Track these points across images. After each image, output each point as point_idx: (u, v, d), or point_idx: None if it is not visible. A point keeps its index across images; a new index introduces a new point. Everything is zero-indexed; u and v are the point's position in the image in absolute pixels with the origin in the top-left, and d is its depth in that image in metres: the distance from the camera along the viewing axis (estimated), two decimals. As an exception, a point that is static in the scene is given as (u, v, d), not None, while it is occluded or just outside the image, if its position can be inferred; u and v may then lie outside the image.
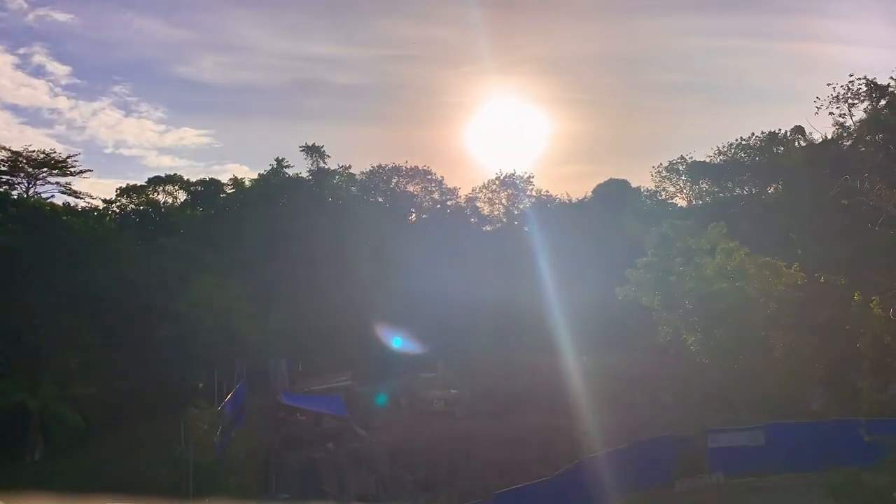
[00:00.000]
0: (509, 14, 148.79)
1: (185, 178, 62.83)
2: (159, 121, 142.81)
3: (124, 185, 61.35)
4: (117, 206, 59.30)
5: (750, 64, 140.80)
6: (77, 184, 51.96)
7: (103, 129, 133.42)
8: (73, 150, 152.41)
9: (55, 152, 50.60)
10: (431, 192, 71.46)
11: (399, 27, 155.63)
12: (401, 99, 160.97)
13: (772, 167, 61.76)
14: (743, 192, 64.96)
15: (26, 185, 50.44)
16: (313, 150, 58.45)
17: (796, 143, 61.04)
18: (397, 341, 51.72)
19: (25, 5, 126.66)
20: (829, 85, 49.97)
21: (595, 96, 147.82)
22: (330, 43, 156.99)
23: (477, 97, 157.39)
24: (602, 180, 70.05)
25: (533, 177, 71.23)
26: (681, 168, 67.73)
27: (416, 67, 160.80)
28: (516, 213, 70.60)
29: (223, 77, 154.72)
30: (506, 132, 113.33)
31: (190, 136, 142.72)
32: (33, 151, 50.02)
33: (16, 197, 49.17)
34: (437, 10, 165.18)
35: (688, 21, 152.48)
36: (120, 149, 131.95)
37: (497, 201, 71.32)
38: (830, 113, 50.48)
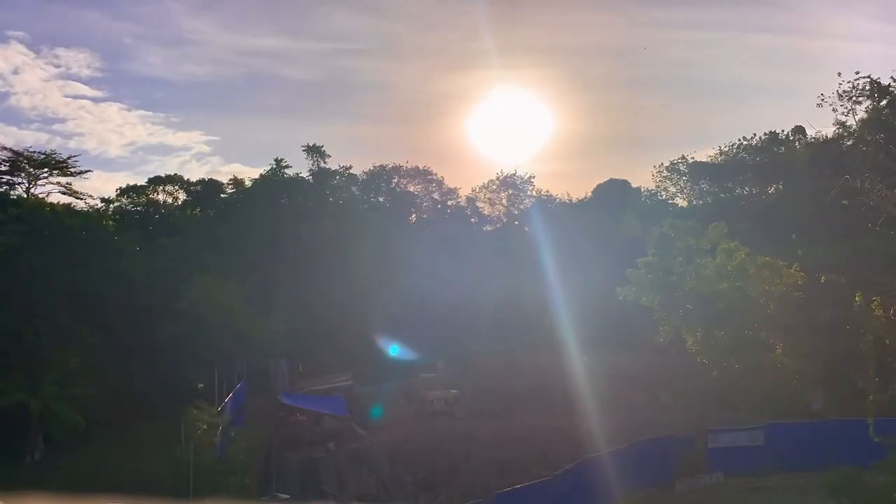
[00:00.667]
0: (465, 6, 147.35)
1: (186, 178, 63.17)
2: (91, 80, 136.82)
3: (125, 186, 61.60)
4: (117, 206, 59.36)
5: (751, 60, 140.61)
6: (77, 184, 52.11)
7: (24, 98, 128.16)
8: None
9: (55, 153, 50.80)
10: (432, 192, 71.63)
11: (347, 19, 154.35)
12: (355, 94, 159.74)
13: (772, 167, 61.74)
14: (743, 192, 64.96)
15: (26, 185, 50.49)
16: (314, 151, 58.45)
17: (797, 144, 61.05)
18: (394, 349, 51.78)
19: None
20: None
21: (578, 91, 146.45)
22: (278, 36, 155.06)
23: (434, 93, 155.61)
24: (597, 180, 70.64)
25: (533, 177, 71.56)
26: (682, 168, 67.78)
27: (368, 61, 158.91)
28: (517, 212, 70.71)
29: (169, 70, 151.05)
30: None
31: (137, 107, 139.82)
32: (34, 152, 50.20)
33: (16, 197, 49.17)
34: (386, 1, 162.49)
35: (677, 14, 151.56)
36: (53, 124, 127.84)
37: (497, 201, 71.50)
38: (834, 110, 50.26)
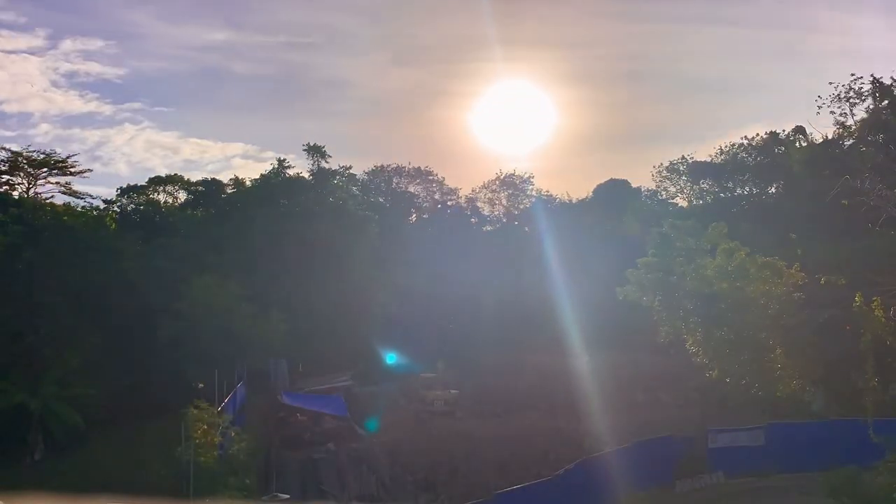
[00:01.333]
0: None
1: (186, 178, 63.17)
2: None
3: (125, 186, 61.53)
4: (117, 206, 59.36)
5: (754, 57, 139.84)
6: (77, 184, 52.26)
7: None
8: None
9: (55, 152, 50.85)
10: (432, 192, 71.71)
11: (291, 12, 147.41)
12: (315, 90, 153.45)
13: (772, 167, 61.76)
14: (743, 192, 64.99)
15: (26, 185, 50.56)
16: (314, 151, 58.41)
17: (797, 144, 61.06)
18: (391, 357, 51.71)
19: None
20: (830, 84, 50.07)
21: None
22: (226, 29, 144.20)
23: (391, 89, 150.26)
24: (596, 178, 70.75)
25: (533, 177, 71.60)
26: (681, 168, 67.81)
27: (321, 56, 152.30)
28: (517, 212, 70.77)
29: (106, 65, 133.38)
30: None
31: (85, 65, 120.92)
32: (33, 152, 50.30)
33: (16, 197, 49.22)
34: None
35: (675, 9, 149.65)
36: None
37: (497, 201, 71.58)
38: (832, 112, 50.56)
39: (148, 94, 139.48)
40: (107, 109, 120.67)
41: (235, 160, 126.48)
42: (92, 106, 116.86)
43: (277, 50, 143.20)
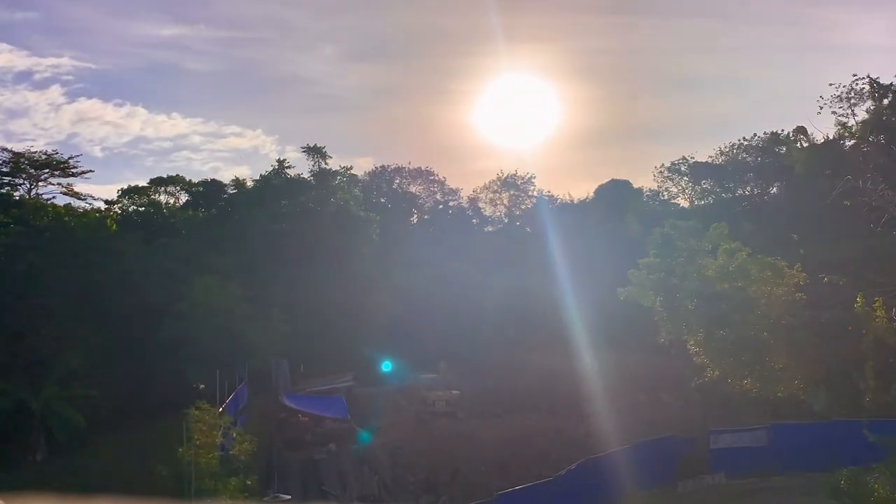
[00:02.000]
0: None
1: (187, 179, 63.25)
2: None
3: (126, 187, 61.61)
4: (119, 208, 59.41)
5: (758, 55, 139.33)
6: (79, 185, 52.42)
7: None
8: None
9: (56, 153, 50.99)
10: (433, 192, 71.78)
11: (234, 5, 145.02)
12: (269, 87, 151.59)
13: (774, 168, 61.79)
14: (745, 192, 65.03)
15: (28, 186, 50.65)
16: (314, 151, 58.46)
17: (798, 144, 61.09)
18: (387, 365, 51.57)
19: None
20: (831, 85, 50.15)
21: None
22: (175, 24, 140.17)
23: (343, 86, 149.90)
24: (597, 178, 70.63)
25: (535, 177, 71.61)
26: (683, 168, 67.84)
27: (270, 52, 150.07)
28: (518, 213, 70.81)
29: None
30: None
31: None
32: (35, 153, 50.37)
33: (18, 198, 49.28)
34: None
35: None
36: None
37: (499, 202, 71.63)
38: (833, 112, 50.61)
39: (71, 44, 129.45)
40: (24, 62, 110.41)
41: (195, 137, 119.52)
42: (3, 60, 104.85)
43: (232, 45, 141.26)
